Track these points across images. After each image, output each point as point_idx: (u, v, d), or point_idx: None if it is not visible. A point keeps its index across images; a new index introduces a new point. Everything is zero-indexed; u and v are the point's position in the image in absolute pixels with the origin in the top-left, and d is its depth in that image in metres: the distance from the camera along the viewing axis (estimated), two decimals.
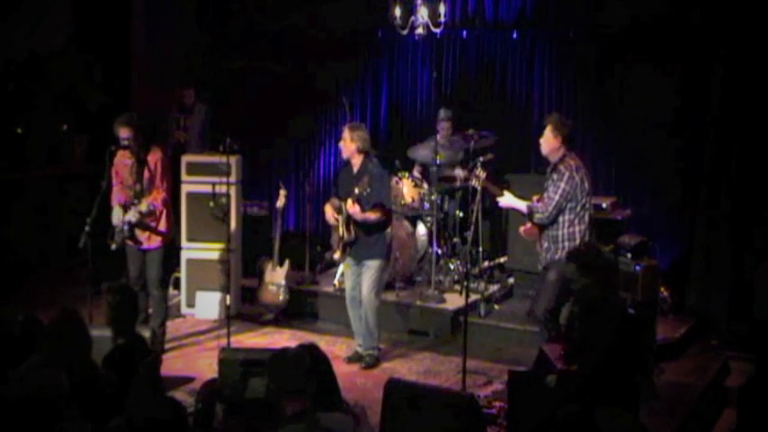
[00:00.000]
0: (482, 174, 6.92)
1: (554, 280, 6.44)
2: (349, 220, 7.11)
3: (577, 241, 6.45)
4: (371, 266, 7.19)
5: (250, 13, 10.32)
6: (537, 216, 6.56)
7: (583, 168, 6.54)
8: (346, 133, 7.19)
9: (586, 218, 6.54)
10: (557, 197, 6.44)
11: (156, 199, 7.12)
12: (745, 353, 7.33)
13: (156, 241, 7.24)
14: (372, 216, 7.06)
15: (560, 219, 6.49)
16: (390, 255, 7.98)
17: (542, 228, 6.58)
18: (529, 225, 6.68)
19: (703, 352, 7.73)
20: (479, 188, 6.98)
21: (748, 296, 7.42)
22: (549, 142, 6.57)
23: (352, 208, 7.01)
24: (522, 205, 6.72)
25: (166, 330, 7.53)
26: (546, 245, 6.58)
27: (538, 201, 6.62)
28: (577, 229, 6.48)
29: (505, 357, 7.43)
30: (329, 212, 7.29)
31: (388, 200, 7.39)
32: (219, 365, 5.42)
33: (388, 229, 7.57)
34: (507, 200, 6.82)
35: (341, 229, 7.18)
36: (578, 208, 6.48)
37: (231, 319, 7.28)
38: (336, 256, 7.45)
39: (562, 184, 6.43)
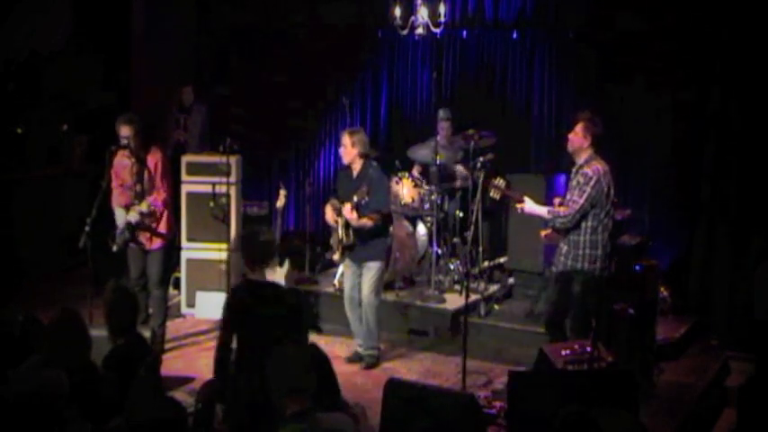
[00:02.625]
0: (502, 183, 6.68)
1: (581, 294, 6.36)
2: (348, 223, 7.11)
3: (599, 251, 6.30)
4: (372, 268, 7.19)
5: (250, 13, 10.31)
6: (560, 221, 6.34)
7: (609, 174, 6.33)
8: (346, 139, 7.16)
9: (610, 225, 6.38)
10: (582, 201, 6.22)
11: (156, 199, 7.13)
12: (745, 353, 7.33)
13: (157, 242, 7.26)
14: (369, 222, 7.05)
15: (583, 224, 6.28)
16: (390, 255, 7.98)
17: (565, 231, 6.40)
18: (550, 230, 6.51)
19: (703, 352, 7.74)
20: (498, 198, 6.76)
21: (748, 296, 7.42)
22: (577, 140, 6.33)
23: (350, 214, 7.01)
24: (543, 211, 6.50)
25: (166, 330, 7.54)
26: (565, 248, 6.39)
27: (560, 205, 6.46)
28: (600, 237, 6.30)
29: (505, 357, 7.43)
30: (329, 213, 7.29)
31: (387, 205, 7.38)
32: None
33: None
34: (528, 206, 6.54)
35: (341, 232, 7.18)
36: (602, 215, 6.29)
37: None
38: (336, 257, 7.46)
39: (588, 189, 6.21)
